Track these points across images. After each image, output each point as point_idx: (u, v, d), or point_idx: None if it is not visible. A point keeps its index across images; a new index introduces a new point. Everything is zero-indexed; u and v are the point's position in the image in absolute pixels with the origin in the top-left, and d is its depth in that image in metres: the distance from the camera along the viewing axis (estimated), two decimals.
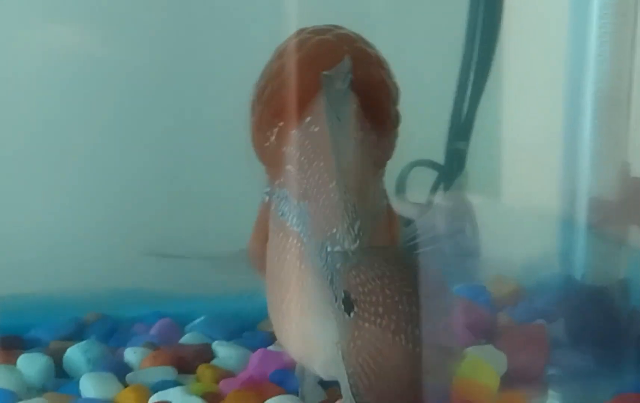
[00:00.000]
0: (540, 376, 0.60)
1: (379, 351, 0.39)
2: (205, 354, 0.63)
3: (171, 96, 0.75)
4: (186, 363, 0.61)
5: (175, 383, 0.57)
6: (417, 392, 0.39)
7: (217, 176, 0.76)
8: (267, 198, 0.54)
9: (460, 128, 0.82)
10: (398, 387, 0.39)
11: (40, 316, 0.68)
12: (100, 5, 0.74)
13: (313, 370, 0.48)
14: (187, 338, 0.66)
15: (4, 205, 0.74)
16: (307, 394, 0.54)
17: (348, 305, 0.40)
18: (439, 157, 0.83)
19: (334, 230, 0.42)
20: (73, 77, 0.74)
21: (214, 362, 0.62)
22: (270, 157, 0.52)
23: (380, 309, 0.39)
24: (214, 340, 0.65)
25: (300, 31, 0.53)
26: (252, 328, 0.69)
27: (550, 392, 0.59)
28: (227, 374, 0.59)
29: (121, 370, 0.59)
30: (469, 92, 0.81)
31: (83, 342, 0.62)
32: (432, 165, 0.83)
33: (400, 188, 0.78)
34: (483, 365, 0.59)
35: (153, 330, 0.68)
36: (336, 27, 0.54)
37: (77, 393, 0.56)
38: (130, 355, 0.62)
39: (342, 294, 0.40)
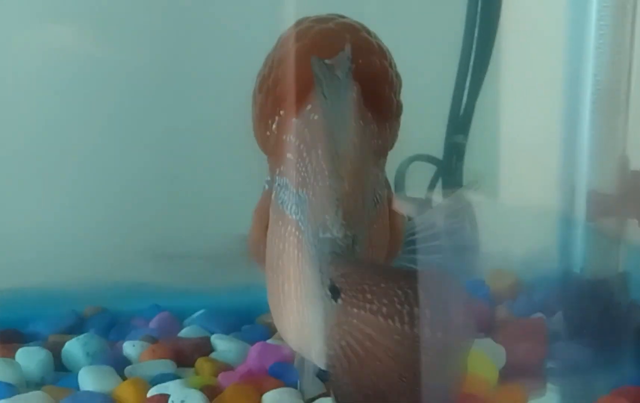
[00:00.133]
0: (539, 369, 0.60)
1: (361, 338, 0.39)
2: (204, 347, 0.63)
3: (170, 96, 0.75)
4: (185, 357, 0.61)
5: (174, 377, 0.57)
6: (399, 381, 0.39)
7: (217, 175, 0.76)
8: (267, 187, 0.54)
9: (459, 122, 0.82)
10: (378, 375, 0.39)
11: (39, 310, 0.68)
12: (99, 6, 0.74)
13: (310, 359, 0.48)
14: (185, 332, 0.66)
15: (4, 200, 0.74)
16: (306, 386, 0.54)
17: (335, 291, 0.40)
18: (438, 152, 0.83)
19: (326, 217, 0.42)
20: (72, 77, 0.74)
21: (213, 355, 0.62)
22: (272, 146, 0.52)
23: (368, 296, 0.39)
24: (212, 333, 0.65)
25: (303, 20, 0.53)
26: (250, 321, 0.69)
27: (549, 385, 0.59)
28: (226, 367, 0.59)
29: (120, 364, 0.59)
30: (467, 86, 0.81)
31: (82, 336, 0.62)
32: (431, 159, 0.83)
33: (399, 182, 0.78)
34: (482, 358, 0.59)
35: (152, 324, 0.68)
36: (339, 16, 0.54)
37: (76, 387, 0.56)
38: (129, 348, 0.62)
39: (329, 281, 0.40)
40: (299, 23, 0.53)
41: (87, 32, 0.73)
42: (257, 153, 0.67)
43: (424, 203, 0.81)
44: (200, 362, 0.60)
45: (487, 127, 0.80)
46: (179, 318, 0.69)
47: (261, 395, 0.54)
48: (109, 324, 0.68)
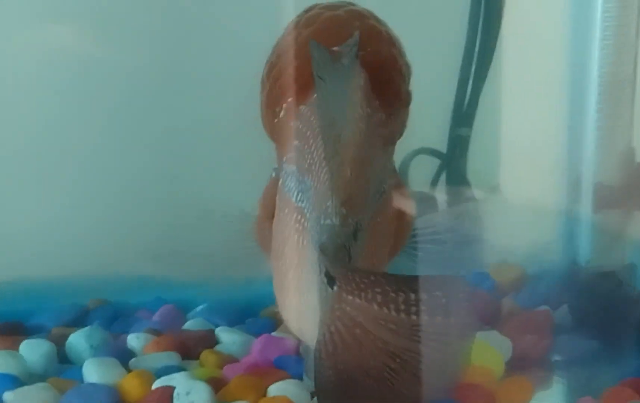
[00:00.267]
0: (545, 361, 0.60)
1: (351, 325, 0.39)
2: (209, 340, 0.62)
3: (170, 96, 0.75)
4: (189, 349, 0.60)
5: (179, 369, 0.57)
6: (382, 372, 0.39)
7: (216, 175, 0.76)
8: (274, 174, 0.54)
9: (463, 115, 0.82)
10: (361, 364, 0.39)
11: (42, 302, 0.68)
12: (99, 6, 0.73)
13: (314, 345, 0.47)
14: (190, 325, 0.66)
15: (9, 196, 0.73)
16: (311, 373, 0.54)
17: (330, 278, 0.40)
18: (442, 145, 0.83)
19: (328, 204, 0.42)
20: (72, 76, 0.74)
21: (218, 347, 0.61)
22: (279, 133, 0.52)
23: (362, 284, 0.39)
24: (217, 326, 0.65)
25: (312, 7, 0.53)
26: (254, 314, 0.68)
27: (555, 377, 0.59)
28: (231, 360, 0.59)
29: (124, 356, 0.59)
30: (471, 79, 0.81)
31: (86, 328, 0.62)
32: (435, 153, 0.82)
33: (403, 176, 0.78)
34: (488, 350, 0.59)
35: (156, 316, 0.67)
36: (349, 3, 0.53)
37: (80, 379, 0.56)
38: (133, 341, 0.62)
39: (325, 268, 0.40)
40: (308, 10, 0.53)
41: (87, 32, 0.73)
42: (256, 150, 0.67)
43: (428, 197, 0.81)
44: (205, 354, 0.59)
45: (492, 120, 0.80)
46: (182, 311, 0.69)
47: (266, 386, 0.54)
48: (112, 316, 0.68)
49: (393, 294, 0.39)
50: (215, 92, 0.74)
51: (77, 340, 0.61)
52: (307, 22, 0.52)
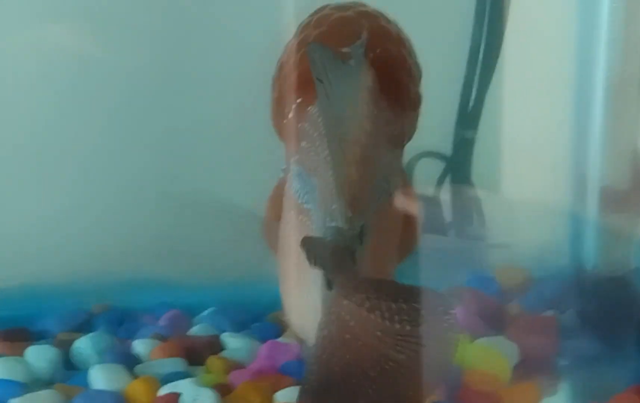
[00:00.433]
0: (552, 366, 0.60)
1: (342, 329, 0.39)
2: (215, 345, 0.62)
3: (170, 96, 0.75)
4: (196, 355, 0.60)
5: (185, 375, 0.56)
6: (365, 379, 0.39)
7: (217, 175, 0.76)
8: (282, 174, 0.54)
9: (468, 117, 0.82)
10: (347, 369, 0.39)
11: (47, 307, 0.68)
12: (99, 6, 0.73)
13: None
14: (195, 330, 0.66)
15: (12, 199, 0.73)
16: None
17: (330, 280, 0.40)
18: (447, 147, 0.82)
19: (333, 206, 0.42)
20: (72, 77, 0.73)
21: (224, 353, 0.61)
22: (288, 134, 0.52)
23: (357, 287, 0.39)
24: (222, 331, 0.65)
25: (323, 7, 0.53)
26: (260, 319, 0.68)
27: (563, 383, 0.58)
28: (237, 365, 0.59)
29: (130, 362, 0.59)
30: (476, 81, 0.81)
31: (92, 334, 0.62)
32: (440, 156, 0.82)
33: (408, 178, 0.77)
34: (495, 355, 0.59)
35: (162, 321, 0.67)
36: (359, 3, 0.53)
37: (86, 385, 0.56)
38: (139, 346, 0.62)
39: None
40: (319, 10, 0.53)
41: (87, 32, 0.73)
42: (256, 150, 0.67)
43: (433, 200, 0.81)
44: (212, 360, 0.59)
45: (497, 121, 0.80)
46: (188, 315, 0.69)
47: (273, 393, 0.54)
48: (117, 322, 0.67)
49: (382, 301, 0.39)
50: (215, 92, 0.74)
51: (83, 345, 0.60)
52: (317, 23, 0.52)
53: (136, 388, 0.55)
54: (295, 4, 0.57)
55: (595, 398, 0.55)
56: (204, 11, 0.73)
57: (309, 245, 0.41)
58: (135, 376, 0.57)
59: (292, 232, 0.48)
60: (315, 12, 0.53)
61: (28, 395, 0.53)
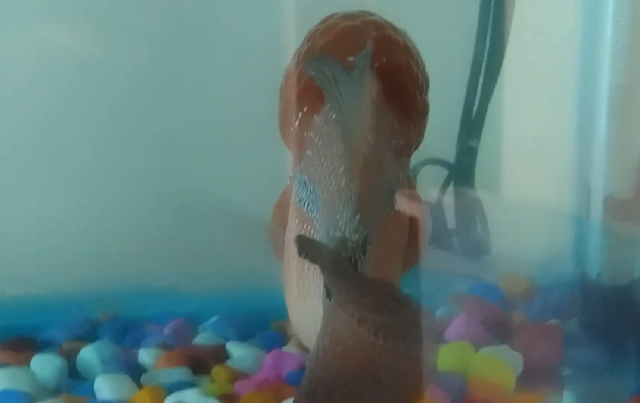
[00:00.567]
0: (557, 376, 0.60)
1: (336, 341, 0.39)
2: (220, 354, 0.62)
3: (170, 96, 0.75)
4: (201, 364, 0.60)
5: (190, 385, 0.56)
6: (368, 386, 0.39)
7: (217, 175, 0.76)
8: (288, 182, 0.54)
9: (471, 125, 0.82)
10: (336, 382, 0.39)
11: (51, 316, 0.68)
12: (99, 6, 0.74)
13: None
14: (200, 338, 0.66)
15: (13, 205, 0.73)
16: None
17: (328, 290, 0.40)
18: (450, 154, 0.82)
19: (337, 216, 0.42)
20: (72, 76, 0.74)
21: (229, 362, 0.61)
22: (294, 142, 0.52)
23: (350, 298, 0.39)
24: (227, 340, 0.65)
25: (331, 16, 0.53)
26: (265, 327, 0.68)
27: (567, 393, 0.58)
28: (242, 375, 0.59)
29: (135, 371, 0.59)
30: (480, 89, 0.81)
31: (97, 343, 0.62)
32: (443, 163, 0.82)
33: None
34: (499, 364, 0.59)
35: (166, 330, 0.67)
36: (367, 13, 0.54)
37: (92, 394, 0.56)
38: (145, 355, 0.62)
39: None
40: (326, 19, 0.53)
41: (86, 32, 0.73)
42: (256, 150, 0.67)
43: (435, 206, 0.81)
44: (217, 370, 0.59)
45: (500, 129, 0.80)
46: (192, 323, 0.69)
47: (278, 402, 0.54)
48: (123, 331, 0.67)
49: (371, 313, 0.39)
50: (215, 92, 0.74)
51: (88, 355, 0.60)
52: (324, 32, 0.52)
53: (141, 398, 0.55)
54: (295, 4, 0.58)
55: None
56: (204, 11, 0.74)
57: (309, 246, 0.41)
58: (140, 386, 0.57)
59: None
60: (323, 21, 0.54)
61: None
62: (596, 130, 0.70)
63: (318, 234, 0.46)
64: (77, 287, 0.70)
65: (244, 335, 0.66)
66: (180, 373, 0.59)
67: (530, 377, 0.59)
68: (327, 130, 0.49)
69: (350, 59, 0.48)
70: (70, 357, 0.60)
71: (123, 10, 0.73)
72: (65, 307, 0.69)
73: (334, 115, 0.48)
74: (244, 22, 0.72)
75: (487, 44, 0.79)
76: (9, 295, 0.68)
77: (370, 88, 0.47)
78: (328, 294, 0.40)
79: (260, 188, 0.61)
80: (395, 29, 0.54)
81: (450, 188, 0.83)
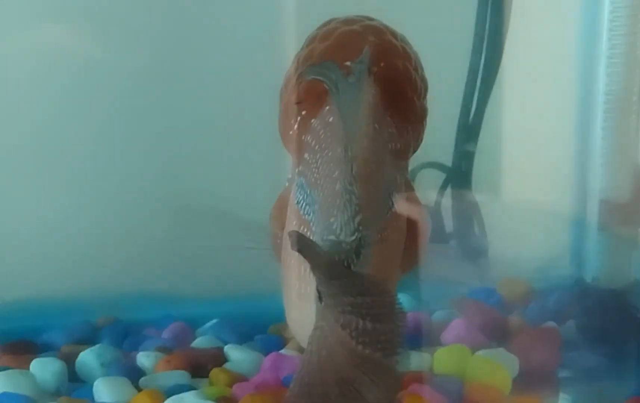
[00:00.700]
0: (552, 378, 0.60)
1: (322, 344, 0.39)
2: (218, 358, 0.62)
3: (170, 96, 0.75)
4: (199, 367, 0.61)
5: (189, 388, 0.57)
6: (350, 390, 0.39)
7: (217, 175, 0.76)
8: (287, 184, 0.54)
9: (469, 129, 0.82)
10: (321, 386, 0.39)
11: (51, 320, 0.68)
12: (99, 6, 0.74)
13: None
14: (199, 342, 0.66)
15: (13, 207, 0.74)
16: None
17: (319, 293, 0.40)
18: (447, 158, 0.83)
19: (332, 220, 0.43)
20: (72, 76, 0.74)
21: (227, 365, 0.62)
22: (293, 145, 0.53)
23: (336, 302, 0.39)
24: (225, 343, 0.65)
25: (330, 21, 0.53)
26: (263, 331, 0.69)
27: (563, 395, 0.59)
28: (241, 378, 0.59)
29: (135, 374, 0.59)
30: (477, 93, 0.81)
31: (96, 346, 0.62)
32: (440, 167, 0.83)
33: None
34: (495, 367, 0.59)
35: (165, 334, 0.68)
36: (367, 18, 0.54)
37: (91, 397, 0.56)
38: (144, 359, 0.62)
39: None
40: (326, 24, 0.53)
41: (86, 32, 0.73)
42: (256, 150, 0.67)
43: (433, 209, 0.81)
44: (215, 373, 0.60)
45: (497, 133, 0.80)
46: (191, 327, 0.69)
47: None
48: (122, 334, 0.68)
49: (354, 318, 0.39)
50: (216, 93, 0.74)
51: (88, 358, 0.61)
52: (323, 36, 0.53)
53: (140, 400, 0.55)
54: (295, 4, 0.58)
55: None
56: (204, 12, 0.74)
57: (303, 243, 0.41)
58: (139, 388, 0.57)
59: None
60: (322, 26, 0.54)
61: None
62: (592, 135, 0.71)
63: (314, 237, 0.46)
64: (77, 291, 0.70)
65: (243, 338, 0.67)
66: (179, 376, 0.59)
67: (526, 379, 0.59)
68: (324, 133, 0.49)
69: (348, 63, 0.49)
70: (69, 360, 0.61)
71: (123, 10, 0.73)
72: (64, 310, 0.69)
73: (331, 119, 0.48)
74: (244, 23, 0.73)
75: (484, 49, 0.79)
76: (9, 298, 0.68)
77: (368, 92, 0.47)
78: (319, 297, 0.40)
79: (260, 190, 0.61)
80: (394, 34, 0.54)
81: (448, 191, 0.83)
